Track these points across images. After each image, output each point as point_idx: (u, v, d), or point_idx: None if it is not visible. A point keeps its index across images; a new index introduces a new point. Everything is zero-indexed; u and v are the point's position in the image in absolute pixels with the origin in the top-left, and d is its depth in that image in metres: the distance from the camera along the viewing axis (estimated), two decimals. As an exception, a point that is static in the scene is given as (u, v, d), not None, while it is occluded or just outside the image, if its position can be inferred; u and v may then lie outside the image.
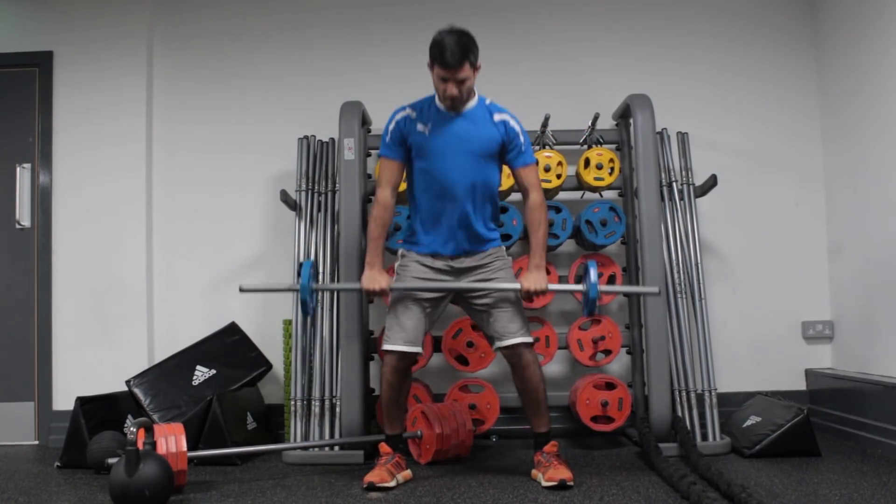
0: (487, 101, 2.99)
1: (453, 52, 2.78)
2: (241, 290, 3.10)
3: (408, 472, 3.01)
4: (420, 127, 2.93)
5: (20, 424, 4.00)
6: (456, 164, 2.91)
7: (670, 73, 4.08)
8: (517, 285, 2.91)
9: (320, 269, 3.69)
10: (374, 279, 2.93)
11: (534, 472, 2.94)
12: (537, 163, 2.99)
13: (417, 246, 3.02)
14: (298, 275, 3.07)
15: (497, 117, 2.95)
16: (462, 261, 2.98)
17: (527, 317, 3.02)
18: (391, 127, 2.97)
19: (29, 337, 4.05)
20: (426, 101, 2.99)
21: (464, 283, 2.98)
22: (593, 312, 2.96)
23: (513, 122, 2.96)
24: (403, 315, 2.96)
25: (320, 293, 3.61)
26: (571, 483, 2.78)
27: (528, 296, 2.91)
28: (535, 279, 2.90)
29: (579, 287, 2.98)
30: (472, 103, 2.95)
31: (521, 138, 2.95)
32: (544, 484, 2.81)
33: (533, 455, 2.99)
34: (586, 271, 2.95)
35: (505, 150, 2.96)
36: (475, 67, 2.86)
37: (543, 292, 2.90)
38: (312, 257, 3.69)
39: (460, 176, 2.91)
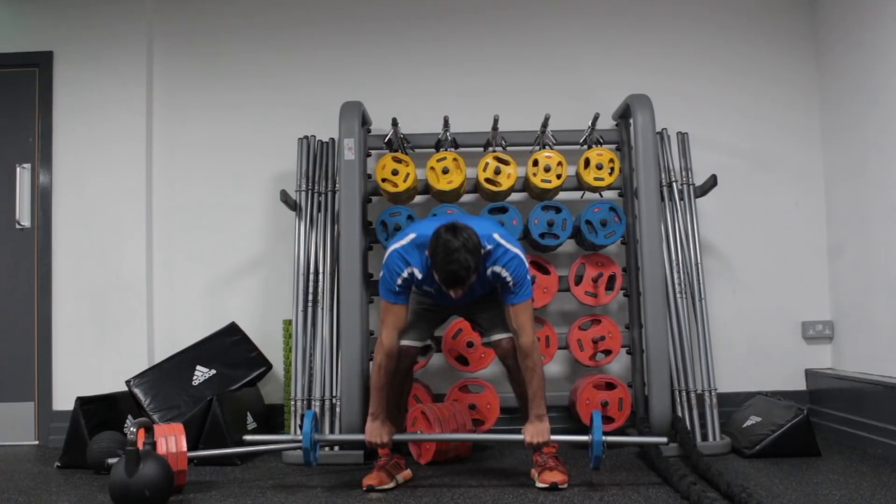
0: (482, 251, 2.79)
1: (459, 277, 2.68)
2: (245, 442, 3.11)
3: (408, 472, 3.01)
4: (426, 287, 2.91)
5: (20, 424, 4.00)
6: (459, 303, 2.97)
7: (670, 73, 4.08)
8: (519, 437, 2.87)
9: (320, 269, 3.68)
10: (378, 432, 2.91)
11: (532, 471, 2.94)
12: (532, 300, 2.91)
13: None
14: (300, 427, 3.08)
15: (490, 272, 2.84)
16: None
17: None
18: (398, 281, 2.84)
19: (29, 337, 4.04)
20: (428, 262, 2.80)
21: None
22: (599, 467, 2.88)
23: (504, 273, 2.82)
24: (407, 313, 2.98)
25: (320, 299, 3.62)
26: (564, 486, 2.79)
27: (532, 448, 2.89)
28: (536, 431, 2.86)
29: (584, 439, 2.90)
30: None
31: (512, 284, 2.82)
32: (538, 485, 2.83)
33: (532, 454, 2.99)
34: (592, 422, 2.86)
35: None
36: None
37: (546, 445, 2.87)
38: (312, 258, 3.69)
39: (463, 304, 3.00)
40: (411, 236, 2.86)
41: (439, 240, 2.68)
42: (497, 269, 2.83)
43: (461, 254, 2.65)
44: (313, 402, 3.51)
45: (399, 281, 2.84)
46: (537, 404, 2.87)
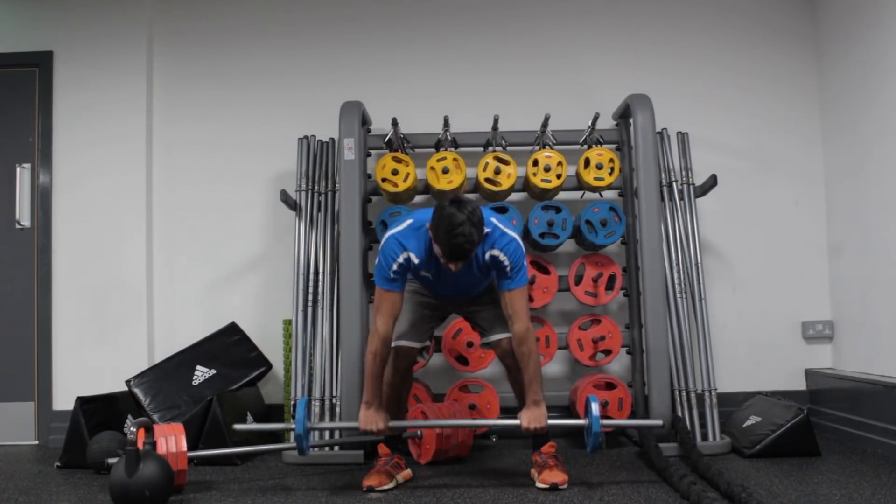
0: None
1: (463, 250, 2.64)
2: (236, 430, 3.09)
3: (408, 472, 3.01)
4: (424, 273, 2.89)
5: (20, 424, 4.00)
6: (456, 293, 3.00)
7: (670, 72, 4.08)
8: (516, 422, 2.85)
9: (320, 269, 3.68)
10: (372, 420, 2.86)
11: (532, 471, 2.94)
12: (529, 285, 2.94)
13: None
14: (293, 416, 3.04)
15: (488, 255, 2.80)
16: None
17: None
18: (394, 266, 2.81)
19: (29, 337, 4.04)
20: (426, 244, 2.81)
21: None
22: (596, 449, 2.87)
23: (502, 256, 2.79)
24: (405, 312, 2.98)
25: (320, 299, 3.62)
26: (564, 486, 2.79)
27: (528, 433, 2.86)
28: (533, 416, 2.83)
29: (581, 422, 2.89)
30: None
31: (510, 268, 2.80)
32: (538, 485, 2.83)
33: (532, 454, 3.00)
34: (588, 406, 2.84)
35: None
36: None
37: (543, 430, 2.85)
38: (312, 257, 3.69)
39: (460, 296, 3.01)
40: (409, 222, 2.85)
41: (444, 212, 2.65)
42: (496, 252, 2.80)
43: (466, 227, 2.61)
44: (313, 402, 3.51)
45: (395, 266, 2.81)
46: (534, 390, 2.84)
